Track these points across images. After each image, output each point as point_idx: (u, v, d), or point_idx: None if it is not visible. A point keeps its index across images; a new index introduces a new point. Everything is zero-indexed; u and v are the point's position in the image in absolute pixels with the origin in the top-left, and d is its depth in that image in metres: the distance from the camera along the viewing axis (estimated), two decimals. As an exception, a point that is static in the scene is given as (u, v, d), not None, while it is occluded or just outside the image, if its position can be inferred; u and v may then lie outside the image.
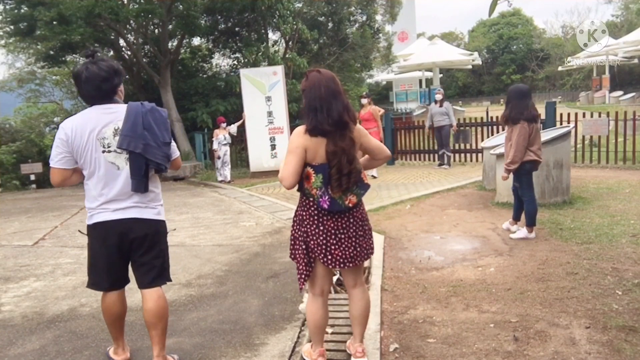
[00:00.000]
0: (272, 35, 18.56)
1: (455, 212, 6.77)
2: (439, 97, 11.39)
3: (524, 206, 5.38)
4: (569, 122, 10.19)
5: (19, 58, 20.96)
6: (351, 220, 2.65)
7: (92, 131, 2.67)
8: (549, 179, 6.70)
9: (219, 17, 16.45)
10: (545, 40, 48.30)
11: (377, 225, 6.22)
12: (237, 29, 17.12)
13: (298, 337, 3.26)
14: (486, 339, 3.11)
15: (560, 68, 39.51)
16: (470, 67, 32.88)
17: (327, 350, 2.95)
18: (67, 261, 5.49)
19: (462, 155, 12.15)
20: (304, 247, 2.66)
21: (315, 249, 2.63)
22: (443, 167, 11.40)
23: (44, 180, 16.83)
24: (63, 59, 15.92)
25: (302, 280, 2.69)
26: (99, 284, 2.86)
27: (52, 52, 14.84)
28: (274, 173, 12.16)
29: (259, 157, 12.39)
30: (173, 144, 2.88)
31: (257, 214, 7.68)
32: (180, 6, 14.19)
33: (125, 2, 14.39)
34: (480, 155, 11.09)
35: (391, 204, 7.55)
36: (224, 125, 12.07)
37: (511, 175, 5.38)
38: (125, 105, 2.76)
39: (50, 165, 2.70)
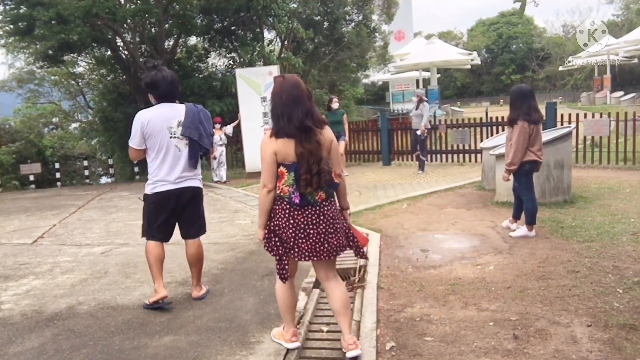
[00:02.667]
0: (268, 35, 18.46)
1: (454, 211, 6.72)
2: (414, 99, 10.96)
3: (524, 205, 5.34)
4: (569, 122, 10.15)
5: (18, 58, 20.95)
6: (321, 217, 2.73)
7: (163, 122, 3.62)
8: (549, 179, 6.66)
9: (215, 16, 16.39)
10: (546, 39, 47.89)
11: (373, 223, 6.18)
12: (232, 28, 17.05)
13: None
14: (485, 337, 3.08)
15: (561, 68, 39.01)
16: (469, 66, 32.80)
17: (323, 349, 2.94)
18: (66, 259, 5.45)
19: (461, 155, 12.09)
20: (276, 239, 2.77)
21: (286, 242, 2.74)
22: (419, 173, 10.52)
23: (42, 180, 16.81)
24: (61, 58, 15.91)
25: (284, 274, 2.80)
26: (155, 236, 3.79)
27: (50, 52, 14.85)
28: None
29: (254, 157, 12.32)
30: None
31: (253, 212, 7.62)
32: (177, 6, 14.17)
33: (123, 2, 14.37)
34: (478, 155, 11.04)
35: (387, 202, 7.47)
36: (219, 125, 12.02)
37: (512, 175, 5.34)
38: (183, 105, 3.73)
39: (129, 144, 3.68)
